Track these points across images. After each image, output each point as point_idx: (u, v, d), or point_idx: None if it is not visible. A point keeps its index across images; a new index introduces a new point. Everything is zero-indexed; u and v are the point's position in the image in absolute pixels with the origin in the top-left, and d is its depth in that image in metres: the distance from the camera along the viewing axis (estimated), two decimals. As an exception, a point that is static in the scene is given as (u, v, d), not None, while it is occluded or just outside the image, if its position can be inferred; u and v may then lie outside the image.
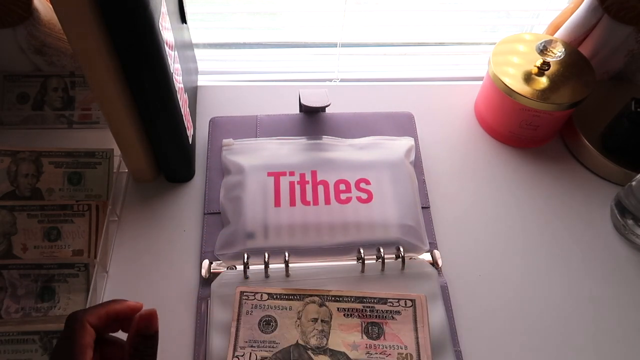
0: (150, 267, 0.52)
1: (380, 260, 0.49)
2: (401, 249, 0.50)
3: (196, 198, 0.57)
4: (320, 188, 0.55)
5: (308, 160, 0.57)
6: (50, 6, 0.58)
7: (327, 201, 0.54)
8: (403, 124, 0.62)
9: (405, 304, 0.46)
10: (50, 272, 0.48)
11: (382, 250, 0.50)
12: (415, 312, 0.46)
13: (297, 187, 0.55)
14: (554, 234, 0.56)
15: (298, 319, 0.45)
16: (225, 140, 0.60)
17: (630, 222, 0.55)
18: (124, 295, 0.50)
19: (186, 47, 0.60)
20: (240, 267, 0.50)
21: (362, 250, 0.50)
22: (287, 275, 0.49)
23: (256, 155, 0.58)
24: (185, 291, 0.51)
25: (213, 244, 0.53)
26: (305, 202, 0.54)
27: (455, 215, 0.57)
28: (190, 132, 0.57)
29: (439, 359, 0.46)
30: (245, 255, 0.49)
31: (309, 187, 0.55)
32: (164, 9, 0.47)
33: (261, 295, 0.46)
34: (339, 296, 0.46)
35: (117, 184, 0.56)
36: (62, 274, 0.48)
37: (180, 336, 0.48)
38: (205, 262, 0.51)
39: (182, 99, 0.53)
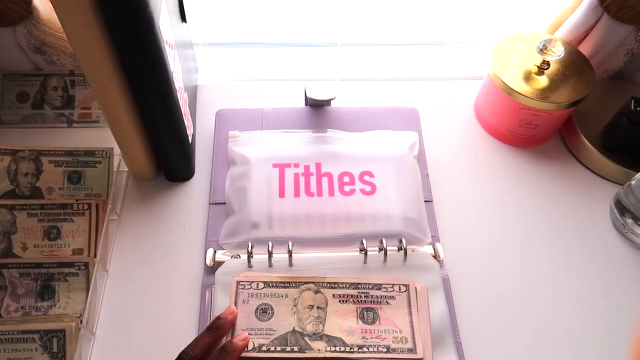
0: (150, 266, 0.52)
1: (382, 251, 0.50)
2: (403, 241, 0.50)
3: (196, 197, 0.57)
4: (325, 180, 0.56)
5: (313, 152, 0.58)
6: (50, 5, 0.58)
7: (331, 193, 0.55)
8: (407, 119, 0.63)
9: (399, 289, 0.47)
10: (50, 271, 0.48)
11: (384, 241, 0.50)
12: (409, 296, 0.46)
13: (302, 179, 0.56)
14: (553, 232, 0.56)
15: (294, 306, 0.46)
16: (231, 132, 0.60)
17: (629, 221, 0.55)
18: (124, 294, 0.50)
19: (186, 46, 0.60)
20: (244, 257, 0.50)
21: (364, 242, 0.50)
22: (291, 265, 0.49)
23: (261, 147, 0.58)
24: (187, 287, 0.51)
25: (218, 234, 0.53)
26: (309, 193, 0.55)
27: (457, 209, 0.57)
28: (190, 132, 0.57)
29: (439, 349, 0.46)
30: (250, 245, 0.49)
31: (313, 179, 0.56)
32: (164, 8, 0.46)
33: (257, 284, 0.46)
34: (334, 283, 0.47)
35: (117, 183, 0.56)
36: (62, 273, 0.48)
37: (184, 326, 0.49)
38: (210, 251, 0.52)
39: (182, 98, 0.53)
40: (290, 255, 0.49)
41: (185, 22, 0.60)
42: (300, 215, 0.53)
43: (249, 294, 0.46)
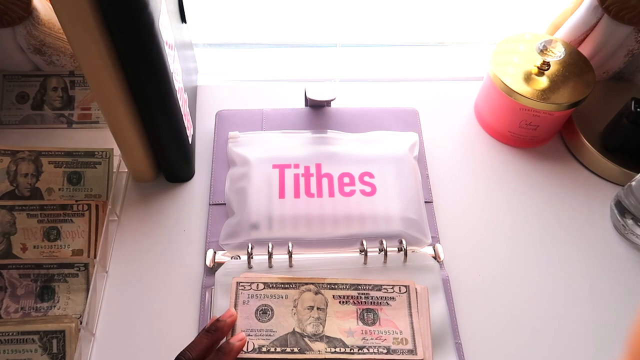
0: (150, 267, 0.52)
1: (382, 252, 0.50)
2: (403, 242, 0.50)
3: (196, 197, 0.57)
4: (325, 181, 0.56)
5: (313, 153, 0.58)
6: (50, 5, 0.58)
7: (331, 194, 0.55)
8: (407, 120, 0.63)
9: (400, 290, 0.47)
10: (50, 271, 0.48)
11: (384, 242, 0.50)
12: (409, 297, 0.46)
13: (302, 180, 0.56)
14: (554, 233, 0.56)
15: (294, 307, 0.46)
16: (231, 133, 0.60)
17: (630, 222, 0.55)
18: (123, 295, 0.50)
19: (186, 47, 0.60)
20: (244, 257, 0.50)
21: (364, 243, 0.50)
22: (291, 266, 0.49)
23: (261, 148, 0.58)
24: (186, 288, 0.51)
25: (218, 234, 0.53)
26: (309, 194, 0.55)
27: (457, 210, 0.57)
28: (190, 132, 0.57)
29: (439, 350, 0.46)
30: (249, 246, 0.50)
31: (313, 180, 0.56)
32: (163, 8, 0.46)
33: (257, 285, 0.46)
34: (334, 284, 0.47)
35: (116, 184, 0.56)
36: (61, 274, 0.48)
37: (184, 327, 0.49)
38: (210, 252, 0.52)
39: (182, 99, 0.53)
40: (290, 256, 0.49)
41: (185, 22, 0.60)
42: (300, 216, 0.53)
43: (249, 294, 0.46)
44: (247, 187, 0.55)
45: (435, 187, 0.58)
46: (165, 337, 0.48)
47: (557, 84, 0.58)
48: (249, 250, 0.49)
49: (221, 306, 0.47)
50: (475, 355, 0.48)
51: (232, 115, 0.62)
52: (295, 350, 0.43)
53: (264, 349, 0.43)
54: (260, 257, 0.50)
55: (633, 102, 0.56)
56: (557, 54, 0.56)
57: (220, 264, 0.50)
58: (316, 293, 0.46)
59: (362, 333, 0.45)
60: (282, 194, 0.54)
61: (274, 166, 0.56)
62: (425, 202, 0.56)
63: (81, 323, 0.45)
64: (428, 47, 0.75)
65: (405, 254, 0.50)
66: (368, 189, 0.55)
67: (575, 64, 0.60)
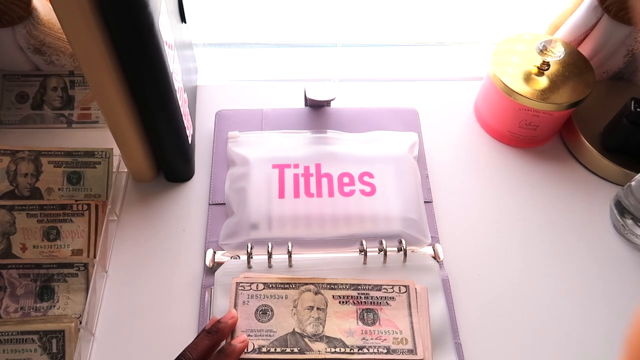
0: (149, 267, 0.52)
1: (382, 252, 0.50)
2: (403, 242, 0.50)
3: (196, 197, 0.57)
4: (324, 181, 0.56)
5: (312, 153, 0.58)
6: (50, 5, 0.58)
7: (331, 194, 0.55)
8: (407, 120, 0.63)
9: (399, 290, 0.47)
10: (50, 271, 0.48)
11: (384, 242, 0.50)
12: (409, 297, 0.46)
13: (301, 180, 0.56)
14: (553, 233, 0.56)
15: (294, 307, 0.46)
16: (231, 133, 0.60)
17: (629, 222, 0.55)
18: (123, 295, 0.50)
19: (185, 47, 0.60)
20: (244, 257, 0.50)
21: (364, 243, 0.50)
22: (290, 266, 0.49)
23: (261, 148, 0.58)
24: (186, 288, 0.51)
25: (217, 234, 0.53)
26: (309, 194, 0.55)
27: (457, 210, 0.57)
28: (189, 132, 0.57)
29: (439, 350, 0.46)
30: (249, 246, 0.50)
31: (312, 180, 0.56)
32: (163, 8, 0.46)
33: (257, 285, 0.46)
34: (334, 284, 0.47)
35: (116, 184, 0.55)
36: (61, 274, 0.48)
37: (184, 327, 0.49)
38: (210, 251, 0.52)
39: (182, 99, 0.53)
40: (290, 256, 0.49)
41: (185, 22, 0.60)
42: (299, 216, 0.53)
43: (248, 295, 0.46)
44: (246, 187, 0.55)
45: (435, 187, 0.58)
46: (165, 337, 0.48)
47: (557, 84, 0.58)
48: (249, 250, 0.49)
49: (221, 306, 0.47)
50: (475, 355, 0.48)
51: (232, 115, 0.62)
52: (295, 350, 0.43)
53: (263, 349, 0.43)
54: (259, 257, 0.50)
55: (633, 102, 0.56)
56: (556, 54, 0.56)
57: (219, 264, 0.50)
58: (316, 293, 0.46)
59: (362, 333, 0.45)
60: (281, 194, 0.54)
61: (274, 166, 0.56)
62: (425, 202, 0.56)
63: (81, 323, 0.46)
64: (428, 47, 0.75)
65: (405, 254, 0.50)
66: (368, 189, 0.55)
67: (575, 64, 0.60)
